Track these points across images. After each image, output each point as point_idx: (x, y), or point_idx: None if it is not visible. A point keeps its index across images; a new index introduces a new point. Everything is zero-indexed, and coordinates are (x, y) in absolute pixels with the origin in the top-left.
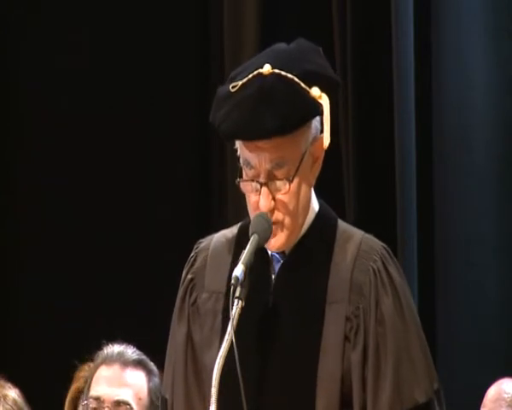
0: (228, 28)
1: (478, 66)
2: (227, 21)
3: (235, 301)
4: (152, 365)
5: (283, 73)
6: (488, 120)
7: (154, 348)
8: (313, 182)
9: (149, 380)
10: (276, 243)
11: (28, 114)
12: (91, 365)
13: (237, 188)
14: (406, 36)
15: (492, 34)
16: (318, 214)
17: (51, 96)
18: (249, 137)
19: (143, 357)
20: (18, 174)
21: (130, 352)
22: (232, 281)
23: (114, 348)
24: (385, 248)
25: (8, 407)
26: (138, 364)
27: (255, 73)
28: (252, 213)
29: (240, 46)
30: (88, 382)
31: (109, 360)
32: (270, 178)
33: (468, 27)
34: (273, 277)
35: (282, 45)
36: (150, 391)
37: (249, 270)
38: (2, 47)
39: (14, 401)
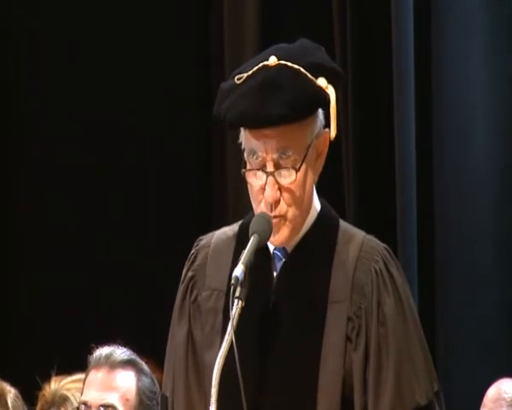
0: (228, 28)
1: (478, 66)
2: (227, 21)
3: (235, 301)
4: (142, 364)
5: (289, 63)
6: (488, 120)
7: (154, 348)
8: (316, 178)
9: (139, 380)
10: (279, 238)
11: (28, 114)
12: (55, 383)
13: (238, 188)
14: (406, 35)
15: (492, 34)
16: (320, 214)
17: (51, 96)
18: (257, 123)
19: (133, 356)
20: (18, 174)
21: (119, 353)
22: (232, 281)
23: (102, 351)
24: (386, 249)
25: (12, 400)
26: (127, 364)
27: (260, 65)
28: (255, 205)
29: (240, 46)
30: (82, 387)
31: (98, 364)
32: (277, 167)
33: (468, 27)
34: (275, 276)
35: (284, 44)
36: (139, 391)
37: (250, 269)
38: (2, 47)
39: (17, 396)
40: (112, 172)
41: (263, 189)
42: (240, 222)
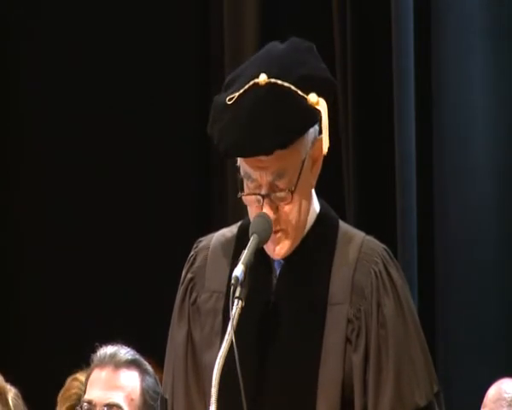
0: (228, 28)
1: (478, 66)
2: (227, 21)
3: (235, 301)
4: (146, 364)
5: (279, 82)
6: (488, 120)
7: (154, 348)
8: (314, 183)
9: (143, 380)
10: (280, 251)
11: (28, 114)
12: (79, 379)
13: (238, 188)
14: (406, 35)
15: (492, 34)
16: (319, 215)
17: (51, 96)
18: (250, 154)
19: (137, 356)
20: (18, 174)
21: (123, 352)
22: (232, 281)
23: (107, 350)
24: (386, 250)
25: (13, 399)
26: (131, 364)
27: (251, 83)
28: None
29: (240, 46)
30: (85, 384)
31: (102, 363)
32: (272, 189)
33: (468, 27)
34: (274, 278)
35: (276, 46)
36: (143, 391)
37: (250, 270)
38: (2, 47)
39: (17, 395)
40: (112, 172)
41: (260, 209)
42: (239, 224)
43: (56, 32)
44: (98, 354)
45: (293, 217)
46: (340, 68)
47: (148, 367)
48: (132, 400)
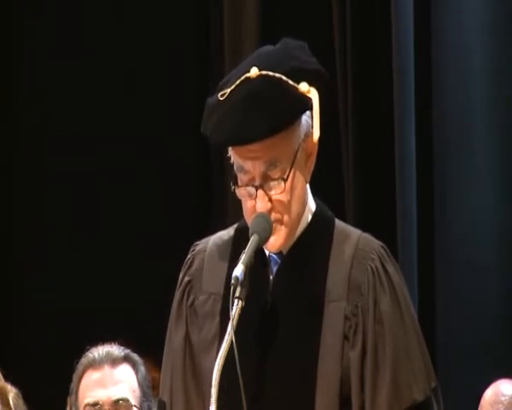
0: (228, 27)
1: (478, 65)
2: (227, 21)
3: (236, 301)
4: (135, 356)
5: (270, 73)
6: (488, 120)
7: (153, 349)
8: (308, 178)
9: (137, 371)
10: (276, 243)
11: (28, 113)
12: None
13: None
14: (406, 35)
15: (492, 33)
16: (315, 214)
17: (51, 96)
18: (240, 142)
19: (127, 351)
20: (18, 174)
21: (115, 349)
22: (232, 281)
23: (99, 350)
24: (382, 246)
25: (13, 399)
26: (125, 359)
27: (243, 78)
28: (248, 219)
29: (240, 45)
30: (74, 390)
31: (97, 363)
32: (265, 179)
33: (467, 26)
34: (271, 277)
35: (267, 47)
36: (140, 381)
37: (248, 270)
38: (2, 47)
39: (18, 395)
40: (112, 172)
41: (254, 202)
42: (235, 226)
43: (56, 30)
44: (91, 355)
45: (286, 206)
46: (340, 68)
47: (138, 358)
48: (134, 391)
